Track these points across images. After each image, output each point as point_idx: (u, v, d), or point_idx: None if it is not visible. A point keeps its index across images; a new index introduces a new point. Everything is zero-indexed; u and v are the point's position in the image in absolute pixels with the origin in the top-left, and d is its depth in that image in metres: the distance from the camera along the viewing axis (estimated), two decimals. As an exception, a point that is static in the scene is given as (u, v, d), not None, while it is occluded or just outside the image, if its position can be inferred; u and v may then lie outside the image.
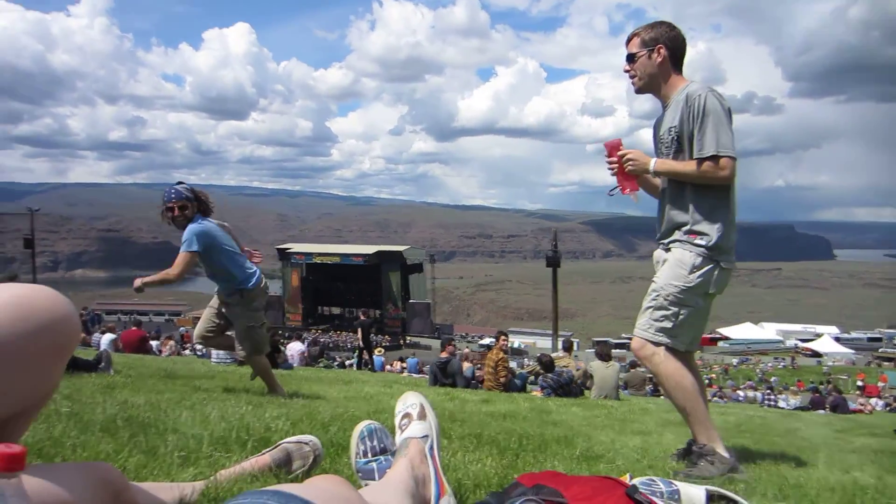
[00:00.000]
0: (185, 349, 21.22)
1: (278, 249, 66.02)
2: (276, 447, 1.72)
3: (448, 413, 4.29)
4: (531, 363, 32.37)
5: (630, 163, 2.81)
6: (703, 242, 2.71)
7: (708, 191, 2.74)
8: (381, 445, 1.65)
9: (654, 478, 1.86)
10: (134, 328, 14.88)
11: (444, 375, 9.96)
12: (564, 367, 10.44)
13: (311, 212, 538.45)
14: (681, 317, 2.72)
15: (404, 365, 19.40)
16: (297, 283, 60.74)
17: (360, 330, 17.42)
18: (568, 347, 13.31)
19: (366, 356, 16.97)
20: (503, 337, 11.61)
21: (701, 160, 2.65)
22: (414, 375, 16.43)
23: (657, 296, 2.76)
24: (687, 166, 2.72)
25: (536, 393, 9.45)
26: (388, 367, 19.27)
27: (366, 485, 1.55)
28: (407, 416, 1.66)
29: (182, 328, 43.04)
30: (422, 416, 1.64)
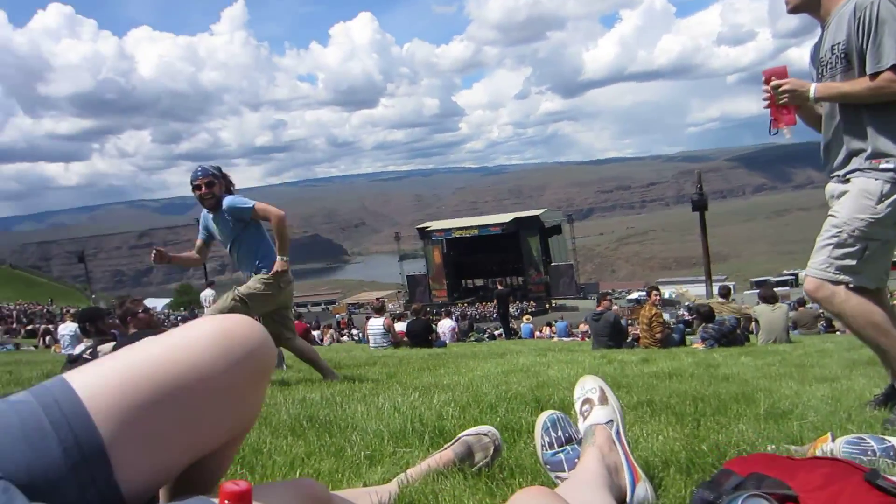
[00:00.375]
0: (342, 336, 22.66)
1: (418, 229, 68.07)
2: (456, 441, 1.75)
3: (610, 378, 4.19)
4: (683, 311, 30.91)
5: (785, 95, 2.52)
6: (890, 166, 2.39)
7: (889, 108, 2.40)
8: (566, 435, 1.61)
9: (861, 435, 1.68)
10: (297, 321, 16.06)
11: (603, 331, 9.67)
12: (729, 312, 9.86)
13: (445, 188, 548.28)
14: (867, 253, 2.42)
15: (553, 329, 19.29)
16: (440, 260, 62.32)
17: (496, 300, 17.48)
18: (725, 293, 12.53)
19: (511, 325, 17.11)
20: (654, 292, 11.15)
21: (876, 74, 2.32)
22: (565, 339, 16.29)
23: (839, 231, 2.45)
24: (858, 84, 2.39)
25: (697, 345, 9.00)
26: (537, 333, 19.26)
27: (556, 477, 1.53)
28: (587, 401, 1.62)
29: (338, 315, 45.80)
30: (603, 400, 1.60)
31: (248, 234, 4.74)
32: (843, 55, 2.44)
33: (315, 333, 17.15)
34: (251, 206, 4.58)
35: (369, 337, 11.65)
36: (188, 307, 61.36)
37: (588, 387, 1.66)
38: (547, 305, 52.92)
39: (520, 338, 17.93)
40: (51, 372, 5.51)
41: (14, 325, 24.49)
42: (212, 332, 0.94)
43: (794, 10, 2.63)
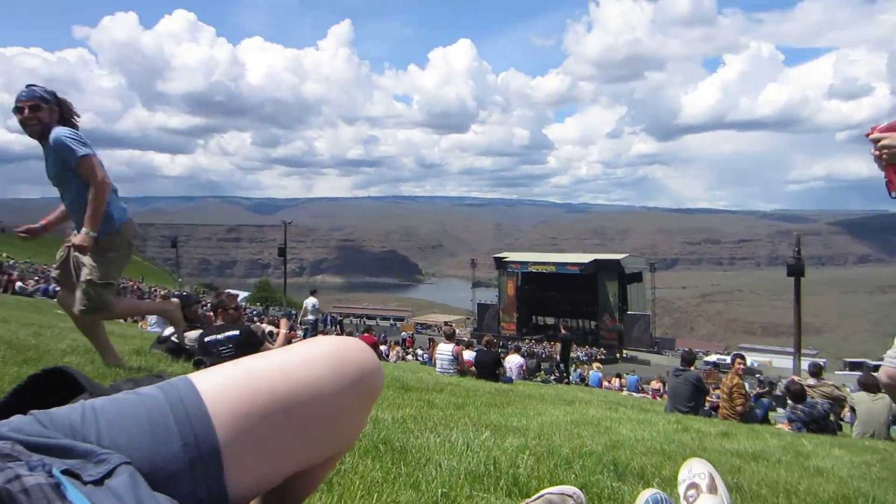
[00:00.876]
0: (407, 354, 22.82)
1: (495, 258, 68.03)
2: (539, 498, 1.70)
3: (688, 449, 4.00)
4: (762, 382, 29.13)
5: (887, 149, 2.16)
6: None
7: None
8: (670, 518, 1.52)
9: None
10: (366, 334, 16.24)
11: (683, 391, 9.21)
12: (821, 395, 9.23)
13: (527, 220, 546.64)
14: None
15: (623, 382, 18.65)
16: (513, 293, 61.93)
17: (560, 343, 17.30)
18: (817, 371, 11.73)
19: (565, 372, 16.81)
20: (739, 360, 10.59)
21: None
22: (635, 395, 15.73)
23: None
24: None
25: (783, 426, 8.45)
26: (605, 383, 18.69)
27: None
28: (694, 486, 1.53)
29: (404, 333, 46.19)
30: (712, 488, 1.51)
31: (79, 184, 3.87)
32: None
33: (382, 348, 17.32)
34: (79, 154, 3.73)
35: (437, 361, 11.66)
36: (264, 303, 63.60)
37: (696, 471, 1.57)
38: (618, 355, 51.36)
39: (587, 385, 17.47)
40: (140, 348, 5.81)
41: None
42: (329, 352, 1.00)
43: None
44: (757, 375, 36.49)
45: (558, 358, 18.13)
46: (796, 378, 14.29)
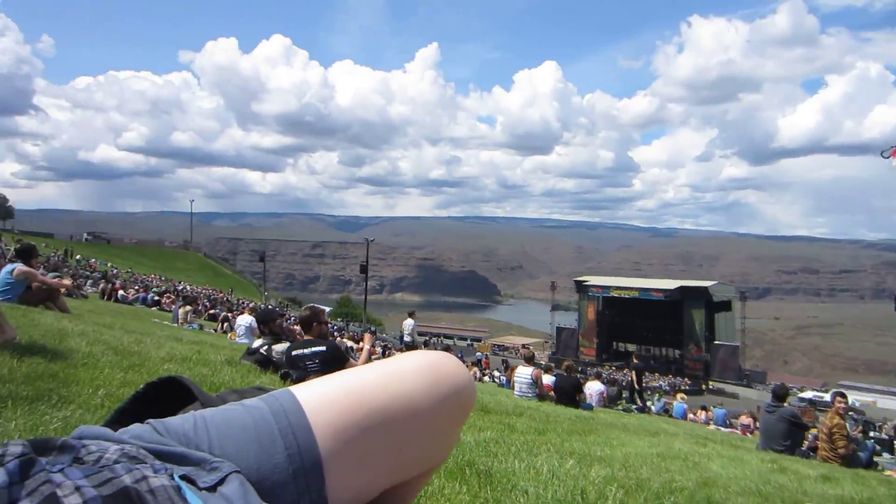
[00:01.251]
0: (484, 375, 22.67)
1: (576, 281, 66.88)
2: None
3: (787, 492, 3.75)
4: (865, 423, 26.81)
5: None
6: None
7: None
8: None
9: None
10: (445, 350, 16.25)
11: (777, 429, 8.64)
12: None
13: (609, 244, 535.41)
14: None
15: (710, 415, 17.75)
16: (593, 317, 60.59)
17: (633, 372, 16.84)
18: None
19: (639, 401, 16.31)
20: (840, 398, 9.87)
21: None
22: (723, 429, 14.93)
23: None
24: None
25: (892, 473, 7.79)
26: (690, 415, 17.85)
27: None
28: None
29: (480, 354, 46.03)
30: None
31: None
32: None
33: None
34: None
35: (515, 384, 11.53)
36: (345, 318, 65.16)
37: None
38: (703, 386, 49.09)
39: (670, 416, 16.75)
40: (231, 358, 6.05)
41: (199, 307, 27.48)
42: (422, 366, 1.02)
43: None
44: (859, 416, 33.76)
45: (630, 387, 17.66)
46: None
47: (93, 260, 51.26)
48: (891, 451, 12.03)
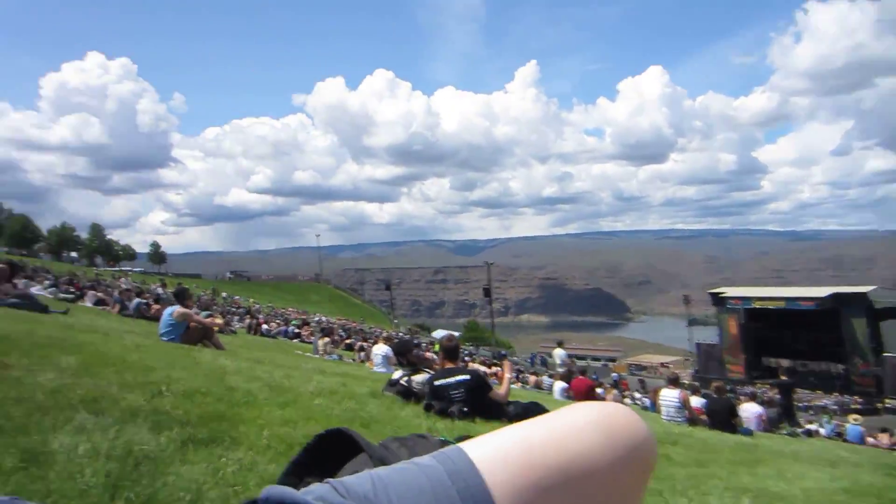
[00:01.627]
0: (624, 398, 21.65)
1: (711, 294, 62.89)
2: None
3: None
4: None
5: None
6: None
7: None
8: None
9: None
10: (581, 376, 15.58)
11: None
12: None
13: (743, 251, 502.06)
14: None
15: (894, 439, 15.62)
16: (736, 331, 56.48)
17: (778, 389, 15.32)
18: None
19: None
20: None
21: None
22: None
23: None
24: None
25: None
26: (869, 439, 15.86)
27: None
28: None
29: (614, 374, 44.36)
30: None
31: None
32: None
33: (598, 391, 16.64)
34: None
35: (661, 408, 10.86)
36: (475, 342, 65.50)
37: None
38: (878, 405, 43.94)
39: (845, 440, 15.00)
40: (374, 390, 6.11)
41: (336, 338, 28.72)
42: (596, 420, 0.93)
43: None
44: None
45: (779, 408, 16.08)
46: None
47: (237, 297, 55.45)
48: None
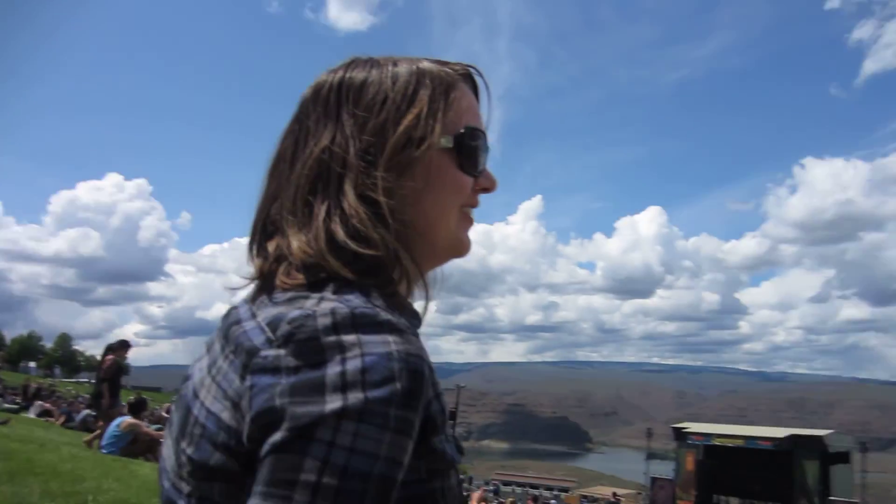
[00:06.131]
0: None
1: (673, 429, 62.36)
2: None
3: None
4: None
5: None
6: None
7: None
8: None
9: None
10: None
11: None
12: None
13: (712, 388, 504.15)
14: None
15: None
16: (692, 467, 55.67)
17: None
18: None
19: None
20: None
21: None
22: None
23: None
24: None
25: None
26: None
27: None
28: None
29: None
30: None
31: None
32: None
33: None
34: None
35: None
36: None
37: None
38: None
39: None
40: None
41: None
42: None
43: None
44: None
45: None
46: None
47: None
48: None
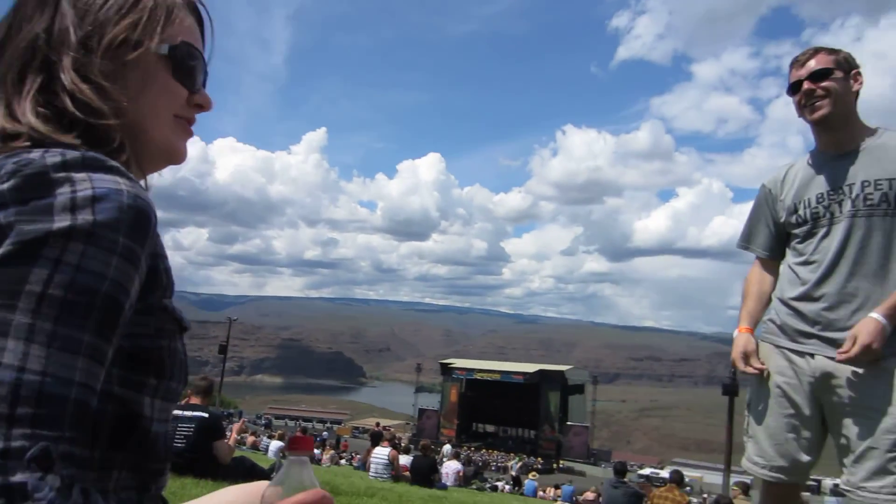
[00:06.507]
0: (341, 458, 22.10)
1: (441, 364, 67.67)
2: None
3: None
4: (704, 497, 29.09)
5: (871, 354, 1.89)
6: None
7: None
8: None
9: None
10: (303, 434, 15.58)
11: None
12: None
13: (477, 328, 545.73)
14: None
15: (559, 493, 18.47)
16: (455, 399, 61.20)
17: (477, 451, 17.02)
18: (746, 490, 12.01)
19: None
20: (675, 474, 10.78)
21: None
22: (569, 505, 15.60)
23: None
24: None
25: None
26: (540, 492, 18.45)
27: None
28: None
29: (342, 437, 44.75)
30: None
31: None
32: (893, 195, 2.01)
33: (315, 451, 16.82)
34: None
35: (371, 465, 11.44)
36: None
37: None
38: (555, 465, 50.65)
39: (522, 494, 17.22)
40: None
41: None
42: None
43: (821, 121, 2.10)
44: (688, 489, 36.35)
45: (475, 467, 17.85)
46: (726, 496, 14.53)
47: None
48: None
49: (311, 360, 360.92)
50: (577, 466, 50.11)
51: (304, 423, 62.61)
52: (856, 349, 1.87)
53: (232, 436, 6.05)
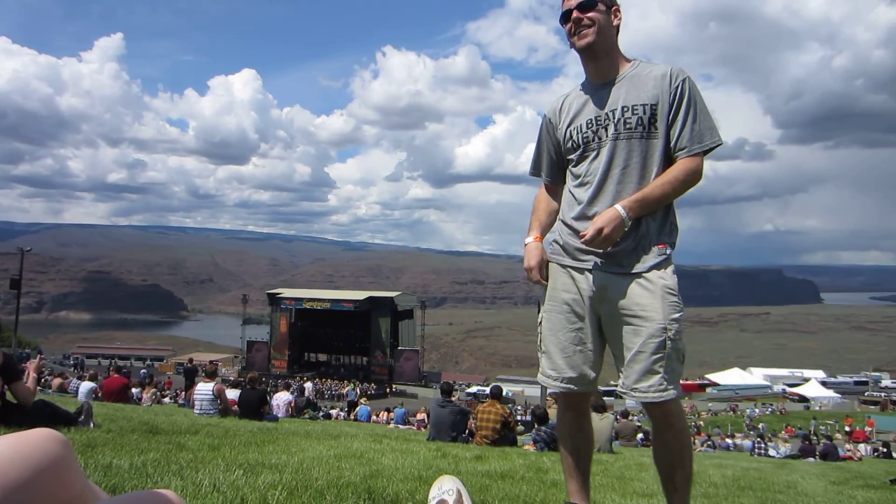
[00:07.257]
0: (164, 397, 20.87)
1: (268, 294, 65.68)
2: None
3: (443, 473, 4.16)
4: (519, 409, 31.96)
5: (605, 241, 2.14)
6: (670, 251, 2.20)
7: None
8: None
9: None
10: (115, 375, 14.43)
11: (448, 421, 9.56)
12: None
13: (304, 256, 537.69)
14: (684, 356, 2.16)
15: (391, 415, 19.05)
16: (286, 329, 60.21)
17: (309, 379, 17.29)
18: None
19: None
20: (496, 390, 11.40)
21: (693, 156, 2.18)
22: (401, 427, 16.13)
23: (664, 340, 2.08)
24: (672, 180, 2.18)
25: (528, 447, 9.24)
26: (374, 417, 18.91)
27: None
28: (442, 502, 1.60)
29: (165, 374, 42.33)
30: (459, 503, 1.58)
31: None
32: (649, 119, 2.20)
33: (133, 391, 15.56)
34: None
35: (195, 402, 10.77)
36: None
37: (445, 487, 1.65)
38: (388, 389, 52.43)
39: (355, 420, 17.50)
40: None
41: None
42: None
43: (586, 49, 2.25)
44: (510, 404, 39.77)
45: (306, 397, 17.89)
46: (542, 405, 15.84)
47: None
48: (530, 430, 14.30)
49: (124, 294, 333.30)
50: (410, 389, 52.29)
51: (119, 362, 58.04)
52: (590, 232, 2.12)
53: (30, 374, 5.22)
